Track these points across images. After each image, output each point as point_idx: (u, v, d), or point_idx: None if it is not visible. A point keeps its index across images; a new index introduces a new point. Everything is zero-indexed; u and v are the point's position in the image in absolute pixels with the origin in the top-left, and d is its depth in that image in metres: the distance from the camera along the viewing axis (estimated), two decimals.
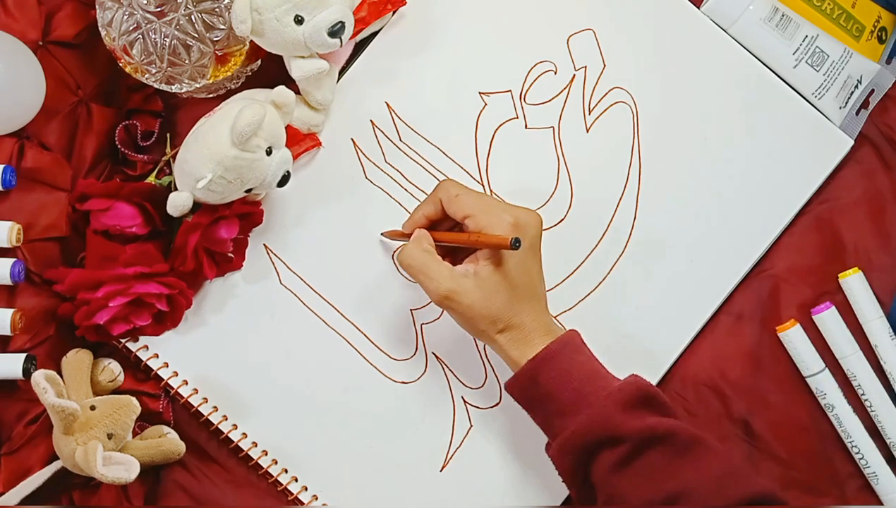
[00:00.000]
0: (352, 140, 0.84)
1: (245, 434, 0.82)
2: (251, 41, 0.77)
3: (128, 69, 0.77)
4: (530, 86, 0.84)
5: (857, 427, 0.82)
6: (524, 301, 0.74)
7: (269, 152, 0.74)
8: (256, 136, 0.72)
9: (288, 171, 0.76)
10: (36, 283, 0.78)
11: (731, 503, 0.67)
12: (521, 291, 0.74)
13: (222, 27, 0.76)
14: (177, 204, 0.75)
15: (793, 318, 0.83)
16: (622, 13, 0.84)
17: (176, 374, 0.82)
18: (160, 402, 0.81)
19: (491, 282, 0.73)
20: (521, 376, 0.73)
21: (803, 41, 0.83)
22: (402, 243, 0.79)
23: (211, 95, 0.82)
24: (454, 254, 0.78)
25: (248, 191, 0.76)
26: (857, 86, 0.84)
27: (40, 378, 0.72)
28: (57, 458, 0.76)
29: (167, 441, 0.80)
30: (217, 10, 0.75)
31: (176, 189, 0.77)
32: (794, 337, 0.82)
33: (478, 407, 0.83)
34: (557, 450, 0.72)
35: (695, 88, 0.84)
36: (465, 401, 0.83)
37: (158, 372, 0.81)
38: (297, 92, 0.79)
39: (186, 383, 0.82)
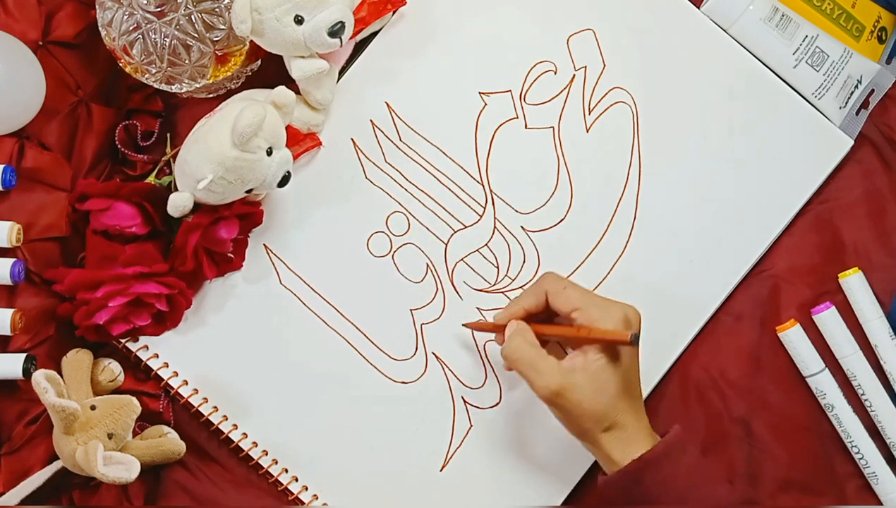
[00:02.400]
0: (352, 140, 0.84)
1: (245, 434, 0.82)
2: (251, 41, 0.77)
3: (128, 69, 0.77)
4: (530, 86, 0.84)
5: (857, 428, 0.82)
6: (629, 399, 0.72)
7: (269, 153, 0.74)
8: (257, 137, 0.72)
9: (288, 172, 0.76)
10: (36, 283, 0.78)
11: None
12: (624, 390, 0.72)
13: (222, 27, 0.76)
14: (177, 204, 0.75)
15: (793, 318, 0.83)
16: (622, 13, 0.84)
17: (176, 374, 0.82)
18: (160, 402, 0.82)
19: (601, 378, 0.71)
20: (624, 476, 0.71)
21: (803, 41, 0.83)
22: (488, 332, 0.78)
23: (211, 95, 0.82)
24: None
25: (249, 191, 0.76)
26: (857, 86, 0.84)
27: (40, 377, 0.72)
28: (57, 458, 0.76)
29: (167, 441, 0.80)
30: (217, 10, 0.75)
31: (176, 189, 0.77)
32: (794, 337, 0.82)
33: (478, 407, 0.83)
34: None
35: (695, 88, 0.84)
36: (465, 401, 0.83)
37: (158, 372, 0.81)
38: (297, 92, 0.79)
39: (186, 383, 0.82)
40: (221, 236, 0.78)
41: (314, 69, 0.77)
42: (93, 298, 0.77)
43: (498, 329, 0.77)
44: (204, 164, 0.72)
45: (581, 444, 0.74)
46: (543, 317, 0.76)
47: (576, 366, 0.71)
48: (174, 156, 0.80)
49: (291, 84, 0.78)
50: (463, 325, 0.81)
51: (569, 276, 0.83)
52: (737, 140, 0.84)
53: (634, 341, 0.69)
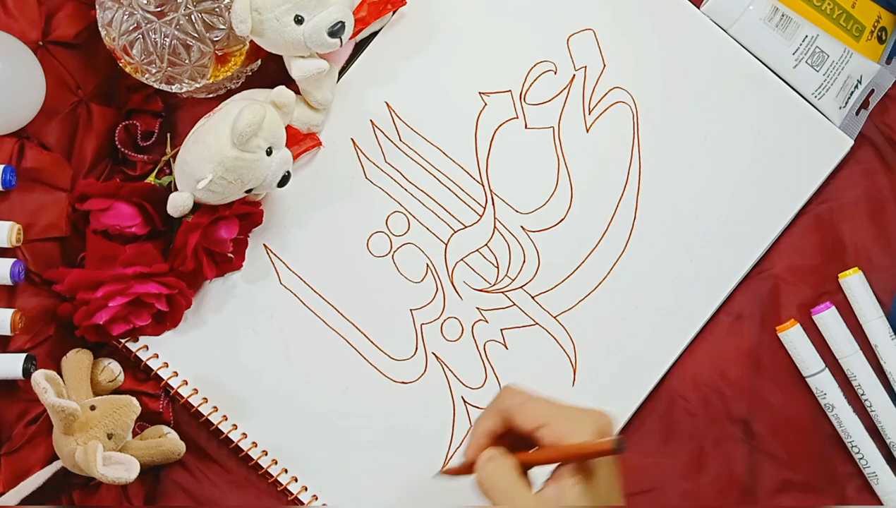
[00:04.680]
0: (352, 140, 0.84)
1: (245, 435, 0.82)
2: (251, 41, 0.77)
3: (128, 69, 0.77)
4: (530, 86, 0.84)
5: (857, 428, 0.82)
6: None
7: (269, 152, 0.74)
8: (256, 137, 0.72)
9: (288, 172, 0.76)
10: (36, 283, 0.78)
11: None
12: (611, 504, 0.62)
13: (222, 27, 0.76)
14: (177, 204, 0.75)
15: (793, 318, 0.83)
16: (622, 13, 0.84)
17: (176, 374, 0.82)
18: (160, 402, 0.82)
19: (584, 502, 0.61)
20: None
21: (803, 41, 0.83)
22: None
23: (211, 95, 0.82)
24: None
25: (249, 191, 0.76)
26: (857, 86, 0.84)
27: (40, 378, 0.72)
28: (57, 458, 0.76)
29: (167, 441, 0.80)
30: (217, 10, 0.75)
31: (176, 189, 0.77)
32: (794, 337, 0.82)
33: (478, 407, 0.83)
34: None
35: (695, 88, 0.84)
36: (465, 401, 0.83)
37: (158, 372, 0.81)
38: (297, 92, 0.79)
39: (186, 383, 0.82)
40: (221, 236, 0.78)
41: (314, 69, 0.77)
42: (93, 298, 0.77)
43: (472, 469, 0.65)
44: (203, 164, 0.72)
45: None
46: (514, 440, 0.65)
47: (552, 498, 0.61)
48: (174, 156, 0.80)
49: (291, 84, 0.78)
50: (440, 473, 0.72)
51: (568, 276, 0.83)
52: (737, 140, 0.84)
53: (619, 446, 0.59)
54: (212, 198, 0.75)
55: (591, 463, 0.62)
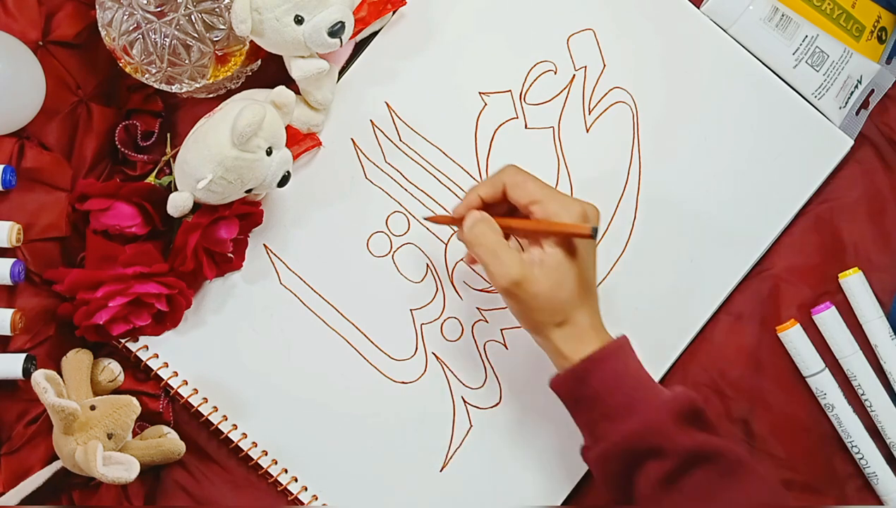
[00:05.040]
0: (352, 140, 0.84)
1: (245, 435, 0.82)
2: (251, 41, 0.77)
3: (128, 69, 0.77)
4: (530, 86, 0.84)
5: (857, 427, 0.82)
6: (584, 296, 0.72)
7: (269, 152, 0.74)
8: (256, 137, 0.72)
9: (288, 172, 0.76)
10: (36, 283, 0.78)
11: None
12: (580, 287, 0.72)
13: (222, 27, 0.76)
14: (177, 204, 0.75)
15: (793, 318, 0.83)
16: (622, 13, 0.84)
17: (176, 374, 0.82)
18: (160, 402, 0.82)
19: (559, 272, 0.71)
20: (572, 374, 0.71)
21: (803, 41, 0.83)
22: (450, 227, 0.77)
23: (211, 95, 0.82)
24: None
25: (249, 191, 0.76)
26: (857, 86, 0.84)
27: (40, 377, 0.72)
28: (57, 458, 0.76)
29: (167, 441, 0.80)
30: (217, 10, 0.75)
31: (176, 189, 0.77)
32: (794, 337, 0.82)
33: (478, 407, 0.83)
34: (600, 455, 0.71)
35: (695, 88, 0.84)
36: (465, 401, 0.83)
37: (158, 372, 0.81)
38: (297, 92, 0.79)
39: (186, 383, 0.82)
40: (221, 236, 0.78)
41: (314, 69, 0.77)
42: (93, 298, 0.77)
43: (457, 222, 0.75)
44: (204, 164, 0.72)
45: (535, 341, 0.74)
46: (501, 212, 0.74)
47: (535, 259, 0.71)
48: (174, 156, 0.80)
49: (291, 84, 0.78)
50: (425, 219, 0.80)
51: None
52: (736, 140, 0.84)
53: (594, 233, 0.69)
54: (212, 198, 0.75)
55: (574, 242, 0.71)
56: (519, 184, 0.73)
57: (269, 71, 0.82)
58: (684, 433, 0.69)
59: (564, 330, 0.72)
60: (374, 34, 0.84)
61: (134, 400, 0.77)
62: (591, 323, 0.72)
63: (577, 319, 0.72)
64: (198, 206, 0.77)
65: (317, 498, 0.82)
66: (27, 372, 0.75)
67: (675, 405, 0.69)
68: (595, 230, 0.69)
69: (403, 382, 0.83)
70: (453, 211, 0.76)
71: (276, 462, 0.82)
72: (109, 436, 0.75)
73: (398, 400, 0.83)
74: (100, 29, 0.76)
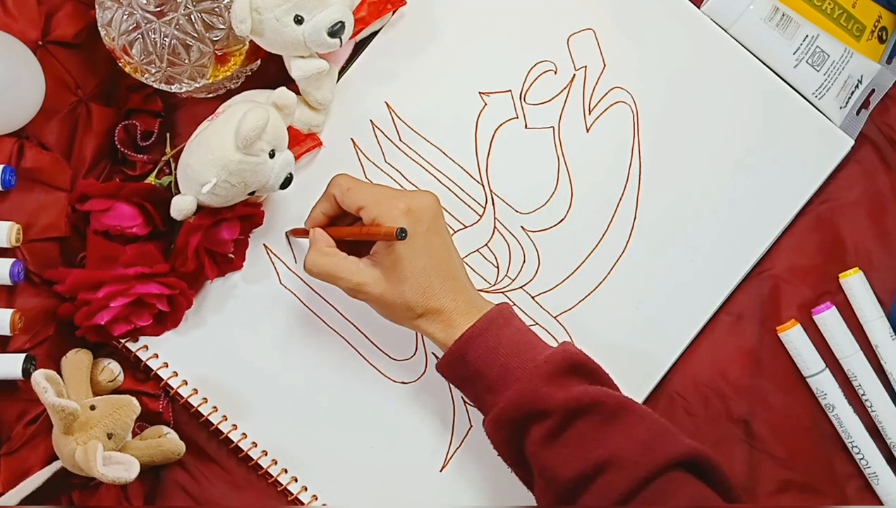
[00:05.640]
0: (352, 140, 0.83)
1: (245, 435, 0.82)
2: (251, 41, 0.77)
3: (127, 69, 0.77)
4: (530, 86, 0.84)
5: (857, 428, 0.82)
6: (436, 284, 0.74)
7: (271, 155, 0.74)
8: (260, 140, 0.72)
9: (290, 174, 0.76)
10: (36, 283, 0.78)
11: (659, 465, 0.67)
12: (429, 275, 0.74)
13: (222, 27, 0.75)
14: (181, 208, 0.75)
15: (793, 318, 0.83)
16: (622, 13, 0.84)
17: (176, 374, 0.82)
18: (160, 402, 0.81)
19: (394, 272, 0.73)
20: (449, 356, 0.73)
21: (803, 41, 0.83)
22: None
23: (211, 95, 0.82)
24: (364, 246, 0.77)
25: (252, 193, 0.76)
26: (857, 86, 0.84)
27: (40, 377, 0.72)
28: (57, 458, 0.76)
29: (167, 441, 0.80)
30: (217, 9, 0.75)
31: (176, 188, 0.77)
32: (794, 337, 0.82)
33: None
34: (490, 426, 0.72)
35: (695, 88, 0.84)
36: (465, 401, 0.83)
37: (158, 372, 0.81)
38: (297, 92, 0.79)
39: (186, 383, 0.82)
40: (223, 237, 0.78)
41: (314, 69, 0.77)
42: (94, 298, 0.77)
43: (306, 234, 0.79)
44: (207, 168, 0.72)
45: None
46: (354, 219, 0.77)
47: (371, 262, 0.74)
48: (174, 156, 0.80)
49: (291, 84, 0.78)
50: (286, 233, 0.82)
51: (569, 276, 0.83)
52: (737, 140, 0.83)
53: (401, 235, 0.70)
54: (215, 201, 0.75)
55: (394, 244, 0.73)
56: (345, 193, 0.76)
57: (269, 71, 0.82)
58: (562, 389, 0.70)
59: (428, 319, 0.74)
60: (374, 34, 0.83)
61: (134, 400, 0.77)
62: (456, 306, 0.74)
63: (438, 306, 0.74)
64: (199, 208, 0.77)
65: (317, 498, 0.82)
66: (27, 372, 0.75)
67: (550, 365, 0.71)
68: (402, 231, 0.70)
69: (403, 382, 0.83)
70: (304, 223, 0.80)
71: (276, 462, 0.82)
72: (109, 436, 0.75)
73: (398, 400, 0.83)
74: (99, 29, 0.76)
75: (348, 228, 0.78)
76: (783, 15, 0.83)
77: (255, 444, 0.82)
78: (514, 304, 0.83)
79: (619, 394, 0.71)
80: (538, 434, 0.70)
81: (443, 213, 0.76)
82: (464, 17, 0.84)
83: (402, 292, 0.73)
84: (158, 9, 0.74)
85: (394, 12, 0.83)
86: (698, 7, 0.84)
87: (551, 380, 0.70)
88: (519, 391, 0.70)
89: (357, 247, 0.77)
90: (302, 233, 0.81)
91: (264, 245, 0.83)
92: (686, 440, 0.69)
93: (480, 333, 0.73)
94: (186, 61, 0.76)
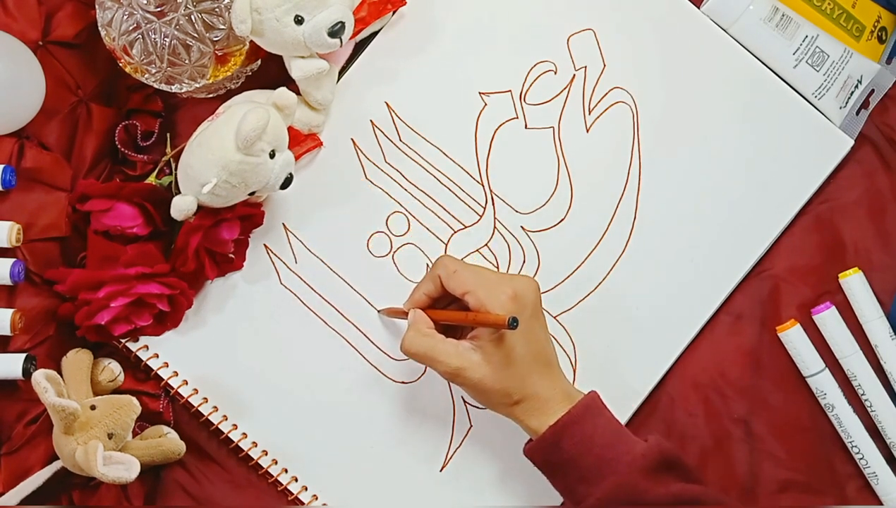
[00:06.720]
0: (352, 140, 0.84)
1: (245, 434, 0.82)
2: (251, 41, 0.77)
3: (128, 69, 0.77)
4: (530, 86, 0.84)
5: (857, 428, 0.82)
6: (535, 371, 0.73)
7: (272, 155, 0.74)
8: (260, 140, 0.72)
9: (291, 174, 0.76)
10: (36, 283, 0.78)
11: None
12: (528, 362, 0.73)
13: (222, 27, 0.76)
14: (181, 208, 0.75)
15: (793, 318, 0.83)
16: (622, 13, 0.84)
17: (176, 374, 0.82)
18: (160, 402, 0.82)
19: (496, 358, 0.72)
20: (542, 442, 0.72)
21: (803, 41, 0.83)
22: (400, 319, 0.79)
23: (211, 95, 0.82)
24: (462, 329, 0.76)
25: (252, 194, 0.76)
26: (857, 86, 0.84)
27: (40, 377, 0.72)
28: (57, 458, 0.76)
29: (167, 441, 0.80)
30: (217, 10, 0.75)
31: (176, 188, 0.77)
32: (794, 337, 0.82)
33: (478, 408, 0.83)
34: None
35: (695, 88, 0.84)
36: (465, 401, 0.83)
37: (158, 372, 0.81)
38: (297, 92, 0.79)
39: (186, 383, 0.82)
40: (223, 237, 0.78)
41: (314, 69, 0.77)
42: (94, 298, 0.77)
43: (405, 315, 0.78)
44: (208, 168, 0.72)
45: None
46: (453, 300, 0.76)
47: (471, 346, 0.73)
48: (174, 157, 0.80)
49: (291, 84, 0.78)
50: (379, 312, 0.82)
51: (568, 276, 0.83)
52: (737, 140, 0.84)
53: (513, 324, 0.68)
54: (216, 201, 0.75)
55: (500, 330, 0.72)
56: (451, 275, 0.75)
57: (269, 71, 0.82)
58: (661, 485, 0.70)
59: (524, 406, 0.73)
60: (374, 34, 0.83)
61: (134, 399, 0.77)
62: (551, 394, 0.73)
63: (534, 393, 0.73)
64: (200, 208, 0.77)
65: (317, 498, 0.82)
66: (27, 372, 0.75)
67: (648, 459, 0.70)
68: (514, 321, 0.68)
69: (403, 382, 0.83)
70: (403, 304, 0.79)
71: (276, 462, 0.82)
72: (110, 436, 0.75)
73: (398, 400, 0.83)
74: (100, 29, 0.76)
75: (454, 313, 0.76)
76: (783, 15, 0.83)
77: (255, 444, 0.82)
78: None
79: (715, 492, 0.71)
80: None
81: (541, 297, 0.76)
82: (464, 17, 0.84)
83: (502, 378, 0.72)
84: (159, 9, 0.74)
85: (394, 12, 0.83)
86: (698, 7, 0.84)
87: (649, 475, 0.70)
88: (617, 483, 0.70)
89: (451, 328, 0.76)
90: (398, 312, 0.79)
91: (265, 245, 0.83)
92: None
93: (575, 422, 0.72)
94: (187, 61, 0.76)
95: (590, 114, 0.84)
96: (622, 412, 0.81)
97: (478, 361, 0.72)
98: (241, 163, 0.72)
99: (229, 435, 0.82)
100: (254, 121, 0.70)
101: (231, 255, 0.80)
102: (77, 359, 0.79)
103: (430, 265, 0.81)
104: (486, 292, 0.73)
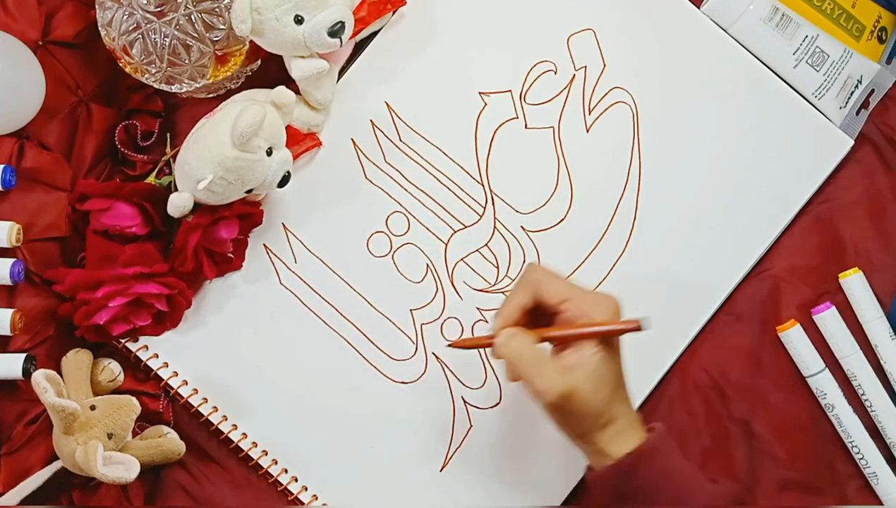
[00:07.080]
0: (352, 140, 0.84)
1: (245, 435, 0.82)
2: (251, 41, 0.77)
3: (128, 69, 0.77)
4: (530, 86, 0.84)
5: (857, 428, 0.82)
6: (621, 390, 0.69)
7: (269, 153, 0.74)
8: (257, 137, 0.72)
9: (288, 172, 0.76)
10: (36, 283, 0.78)
11: None
12: (620, 380, 0.70)
13: (222, 27, 0.76)
14: (177, 204, 0.75)
15: (793, 318, 0.83)
16: (622, 13, 0.84)
17: (176, 374, 0.82)
18: (160, 402, 0.82)
19: (600, 373, 0.67)
20: (617, 470, 0.68)
21: (803, 41, 0.83)
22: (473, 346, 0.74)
23: (211, 95, 0.82)
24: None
25: (249, 191, 0.76)
26: (857, 86, 0.84)
27: (40, 377, 0.72)
28: (57, 458, 0.76)
29: (167, 441, 0.80)
30: (217, 10, 0.75)
31: (176, 189, 0.77)
32: (794, 337, 0.82)
33: (478, 407, 0.83)
34: None
35: (695, 88, 0.84)
36: (465, 401, 0.83)
37: (158, 372, 0.81)
38: (297, 92, 0.79)
39: (186, 383, 0.82)
40: (221, 236, 0.78)
41: (314, 69, 0.77)
42: (93, 298, 0.77)
43: (486, 342, 0.71)
44: (204, 165, 0.72)
45: (574, 445, 0.71)
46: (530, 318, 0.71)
47: (573, 364, 0.67)
48: (174, 157, 0.80)
49: (291, 84, 0.78)
50: (449, 345, 0.75)
51: (568, 276, 0.83)
52: (737, 140, 0.83)
53: (648, 325, 0.65)
54: (212, 198, 0.75)
55: (611, 339, 0.68)
56: (545, 282, 0.70)
57: (269, 71, 0.82)
58: None
59: (608, 430, 0.68)
60: (374, 34, 0.83)
61: (134, 399, 0.77)
62: (630, 417, 0.69)
63: (618, 415, 0.69)
64: (198, 206, 0.77)
65: (317, 498, 0.82)
66: (27, 372, 0.75)
67: (726, 500, 0.68)
68: (647, 320, 0.65)
69: (403, 382, 0.83)
70: (494, 323, 0.71)
71: (276, 462, 0.82)
72: (109, 436, 0.75)
73: (398, 400, 0.83)
74: (100, 29, 0.76)
75: (566, 328, 0.68)
76: (783, 15, 0.83)
77: (255, 444, 0.82)
78: None
79: None
80: None
81: None
82: (464, 17, 0.84)
83: (600, 397, 0.67)
84: (159, 9, 0.74)
85: (394, 12, 0.83)
86: (698, 7, 0.84)
87: None
88: None
89: None
90: (480, 342, 0.73)
91: (264, 245, 0.83)
92: None
93: (657, 452, 0.68)
94: (187, 61, 0.76)
95: (590, 114, 0.84)
96: None
97: (582, 381, 0.67)
98: (238, 160, 0.72)
99: (229, 435, 0.82)
100: (249, 118, 0.70)
101: (230, 255, 0.80)
102: (77, 359, 0.79)
103: (521, 274, 0.74)
104: (588, 301, 0.68)
